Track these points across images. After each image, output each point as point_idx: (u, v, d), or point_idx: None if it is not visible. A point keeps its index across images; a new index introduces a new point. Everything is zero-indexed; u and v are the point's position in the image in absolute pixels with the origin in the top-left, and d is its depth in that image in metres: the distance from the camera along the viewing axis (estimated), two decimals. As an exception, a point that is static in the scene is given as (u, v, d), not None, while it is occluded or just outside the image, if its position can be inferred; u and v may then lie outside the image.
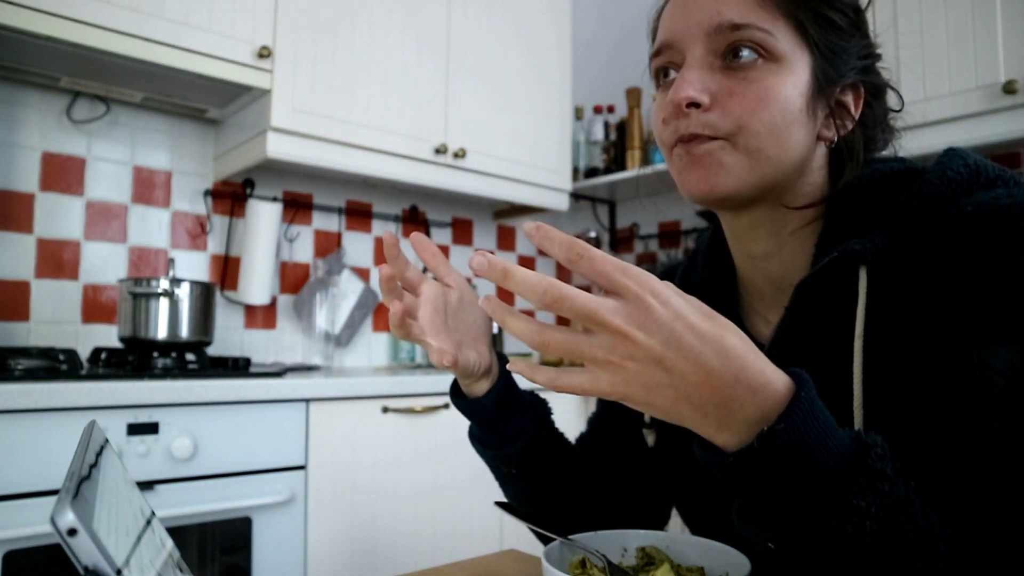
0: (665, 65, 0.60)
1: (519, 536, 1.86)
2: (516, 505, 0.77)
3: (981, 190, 0.53)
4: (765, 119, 0.55)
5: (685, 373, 0.39)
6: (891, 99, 0.63)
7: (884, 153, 0.65)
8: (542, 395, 0.76)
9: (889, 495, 0.39)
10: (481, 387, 0.69)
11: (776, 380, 0.41)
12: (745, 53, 0.55)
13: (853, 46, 0.59)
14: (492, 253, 0.48)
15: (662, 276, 0.80)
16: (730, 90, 0.55)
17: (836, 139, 0.59)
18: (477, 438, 0.74)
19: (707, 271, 0.70)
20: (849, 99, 0.60)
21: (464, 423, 0.74)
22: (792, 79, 0.56)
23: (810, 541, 0.40)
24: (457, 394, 0.72)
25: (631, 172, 2.47)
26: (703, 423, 0.41)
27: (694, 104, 0.55)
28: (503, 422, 0.70)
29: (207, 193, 2.06)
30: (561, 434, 0.77)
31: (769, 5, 0.56)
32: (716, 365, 0.39)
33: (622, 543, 0.58)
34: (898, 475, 0.40)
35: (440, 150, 2.10)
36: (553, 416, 0.77)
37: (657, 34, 0.63)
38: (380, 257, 2.42)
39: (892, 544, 0.39)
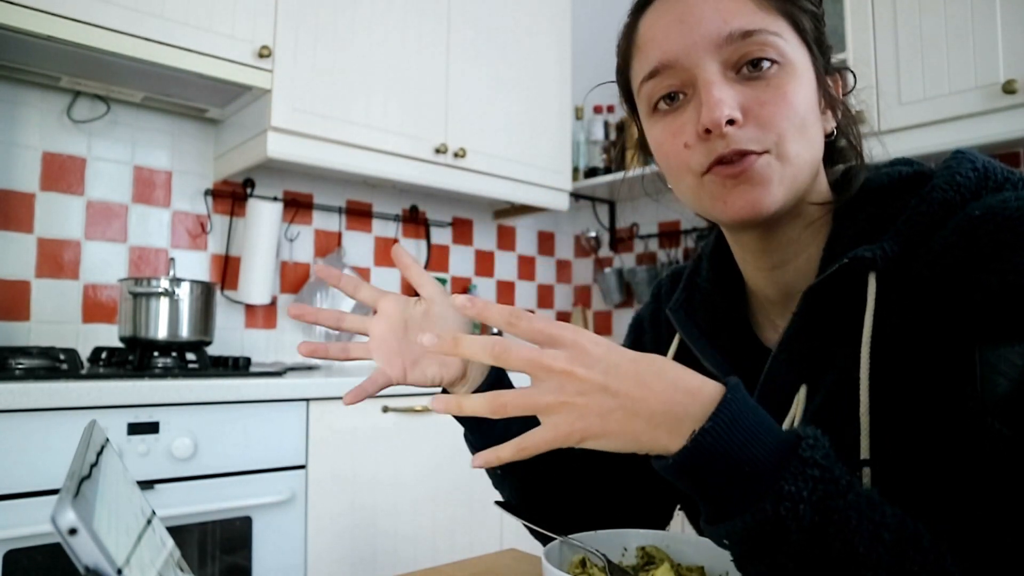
0: (669, 89, 0.57)
1: (519, 536, 1.86)
2: (515, 505, 0.77)
3: (990, 193, 0.53)
4: (796, 122, 0.54)
5: (628, 391, 0.43)
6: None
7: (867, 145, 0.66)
8: None
9: (821, 480, 0.41)
10: (461, 392, 0.70)
11: (708, 385, 0.44)
12: (766, 62, 0.54)
13: (826, 33, 0.59)
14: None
15: (669, 278, 0.80)
16: (758, 100, 0.54)
17: (835, 130, 0.60)
18: (466, 439, 0.74)
19: (713, 275, 0.69)
20: (831, 87, 0.60)
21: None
22: (805, 77, 0.56)
23: (752, 531, 0.41)
24: None
25: (631, 172, 2.46)
26: (656, 435, 0.43)
27: (730, 122, 0.53)
28: (488, 424, 0.69)
29: (207, 193, 2.06)
30: None
31: (766, 6, 0.55)
32: (653, 378, 0.44)
33: (622, 543, 0.58)
34: (834, 464, 0.42)
35: (440, 150, 2.10)
36: None
37: (639, 52, 0.59)
38: (380, 257, 2.42)
39: (830, 528, 0.40)
